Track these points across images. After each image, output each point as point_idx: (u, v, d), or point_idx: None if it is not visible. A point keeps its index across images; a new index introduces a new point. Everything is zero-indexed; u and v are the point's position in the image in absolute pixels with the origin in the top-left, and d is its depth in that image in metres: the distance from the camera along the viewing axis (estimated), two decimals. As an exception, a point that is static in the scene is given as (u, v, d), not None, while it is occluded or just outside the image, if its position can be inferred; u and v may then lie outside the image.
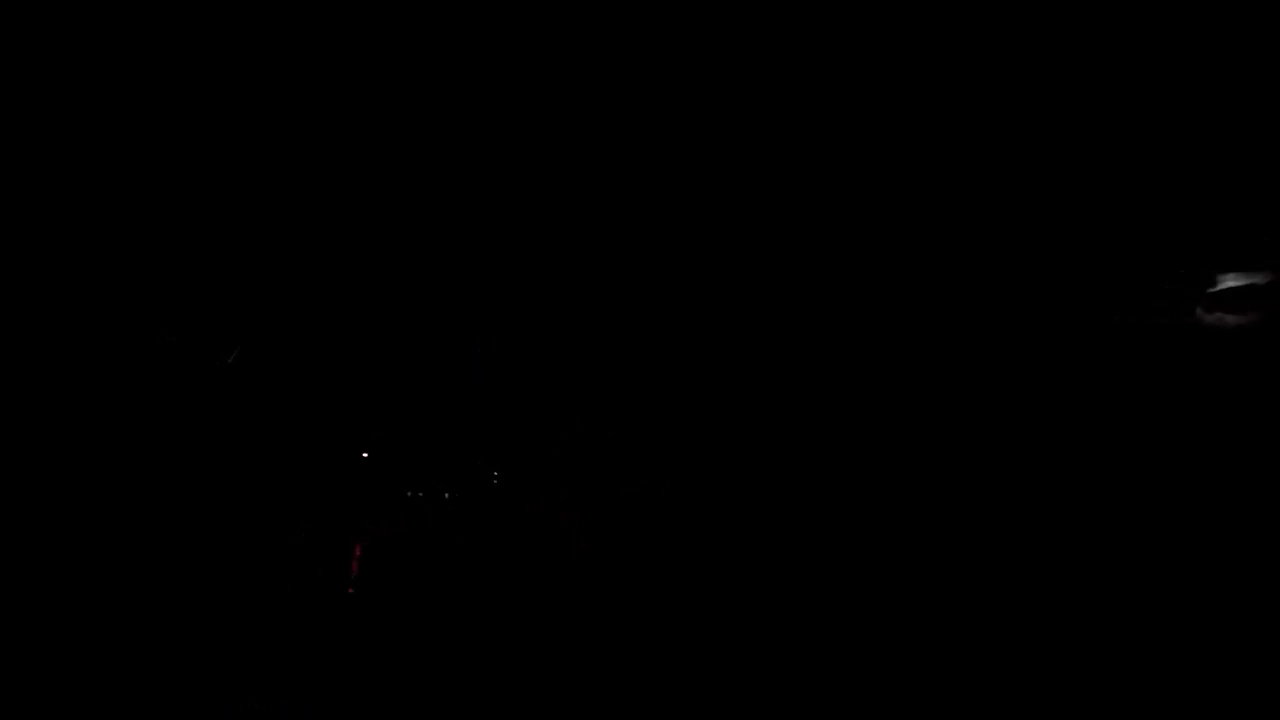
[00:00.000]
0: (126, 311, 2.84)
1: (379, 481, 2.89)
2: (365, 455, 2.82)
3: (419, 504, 2.81)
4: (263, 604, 2.49)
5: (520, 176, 2.83)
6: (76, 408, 2.78)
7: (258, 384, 2.95)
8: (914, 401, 2.79)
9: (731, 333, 2.94)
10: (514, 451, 2.85)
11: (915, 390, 2.79)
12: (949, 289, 2.58)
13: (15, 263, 2.77)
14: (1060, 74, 2.42)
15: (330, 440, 2.81)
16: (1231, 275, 2.41)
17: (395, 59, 2.63)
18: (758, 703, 2.12)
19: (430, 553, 2.72)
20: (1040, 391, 2.54)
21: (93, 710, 2.02)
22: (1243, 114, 2.45)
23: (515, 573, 2.64)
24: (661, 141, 2.73)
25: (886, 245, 2.70)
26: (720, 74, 2.61)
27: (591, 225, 2.87)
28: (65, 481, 2.74)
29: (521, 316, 2.97)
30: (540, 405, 2.98)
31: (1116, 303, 2.46)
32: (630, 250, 2.90)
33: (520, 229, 2.88)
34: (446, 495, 2.92)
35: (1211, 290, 2.42)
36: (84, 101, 2.61)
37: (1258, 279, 2.39)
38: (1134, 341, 2.47)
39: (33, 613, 2.46)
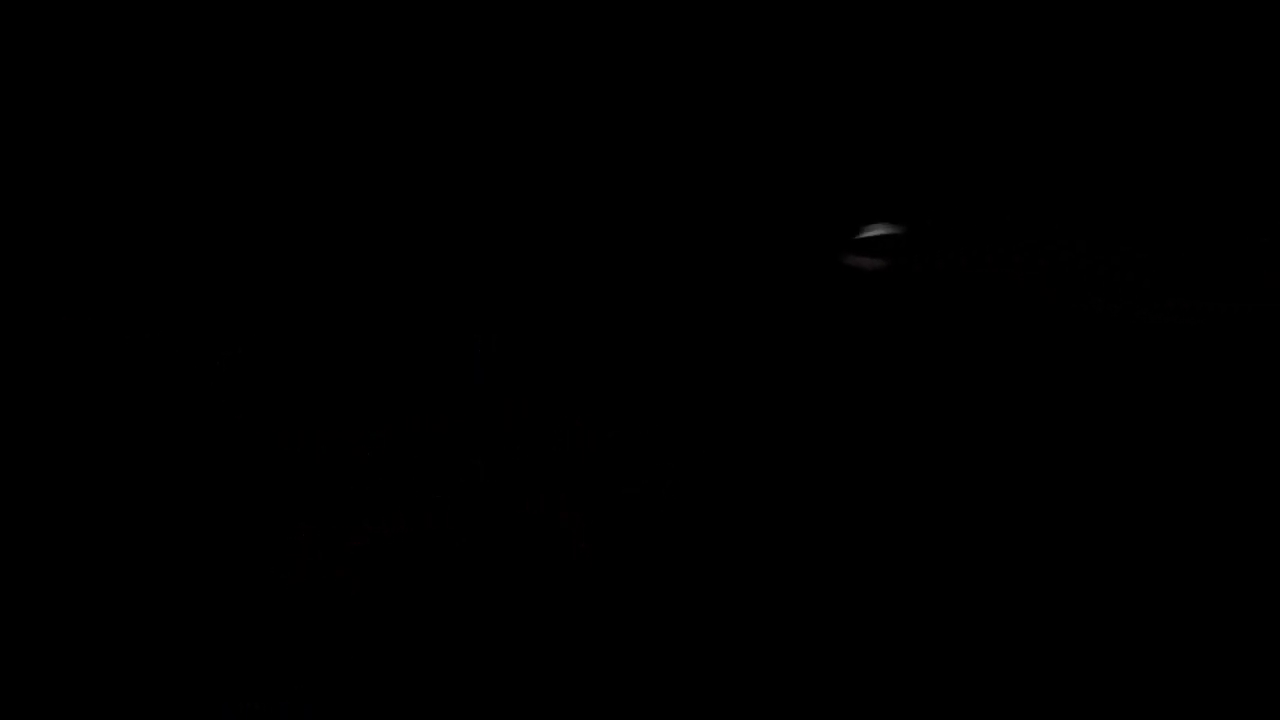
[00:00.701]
0: (123, 310, 2.84)
1: (379, 481, 2.89)
2: (365, 455, 2.83)
3: (419, 504, 2.82)
4: (263, 604, 2.49)
5: (520, 175, 2.83)
6: (74, 407, 2.79)
7: (256, 383, 2.95)
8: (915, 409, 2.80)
9: (730, 332, 2.94)
10: (514, 451, 2.85)
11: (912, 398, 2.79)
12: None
13: (11, 261, 2.77)
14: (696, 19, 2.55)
15: (330, 440, 2.81)
16: (877, 226, 2.73)
17: (394, 56, 2.63)
18: (758, 703, 2.12)
19: (430, 553, 2.72)
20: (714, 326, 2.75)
21: (93, 710, 2.02)
22: (881, 76, 2.64)
23: (515, 573, 2.64)
24: (660, 139, 2.73)
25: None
26: (712, 70, 2.61)
27: (591, 225, 2.87)
28: (63, 481, 2.74)
29: (521, 316, 2.98)
30: (540, 405, 2.99)
31: (776, 245, 2.70)
32: (629, 249, 2.91)
33: (520, 228, 2.88)
34: (446, 495, 2.93)
35: (858, 238, 2.74)
36: (78, 99, 2.61)
37: (897, 230, 2.69)
38: (790, 280, 2.72)
39: (31, 613, 2.46)
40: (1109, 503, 2.61)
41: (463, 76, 2.65)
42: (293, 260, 2.89)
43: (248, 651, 2.22)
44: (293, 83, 2.65)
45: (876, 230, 2.64)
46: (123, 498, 2.79)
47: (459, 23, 2.54)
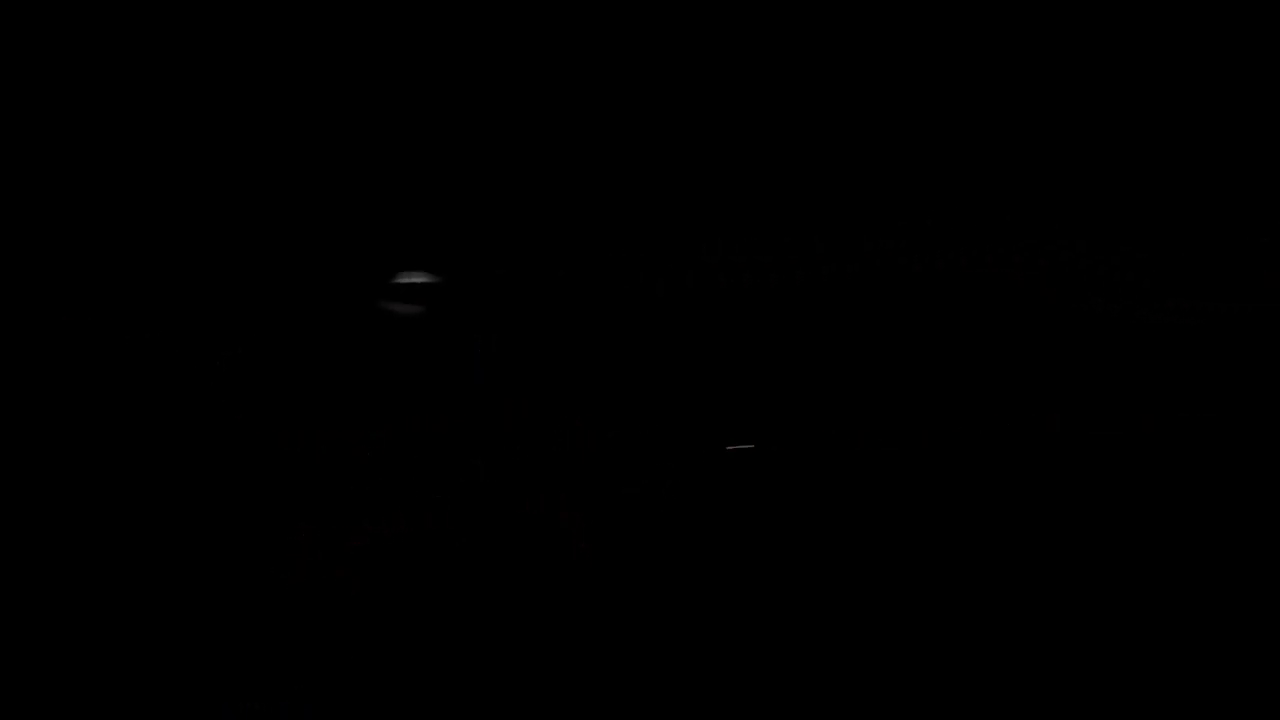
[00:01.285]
0: (122, 308, 2.84)
1: (379, 481, 2.89)
2: (365, 455, 2.83)
3: (419, 504, 2.81)
4: (263, 604, 2.49)
5: (520, 173, 2.83)
6: (73, 407, 2.79)
7: (256, 383, 2.95)
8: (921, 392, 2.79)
9: (730, 332, 2.94)
10: (514, 451, 2.85)
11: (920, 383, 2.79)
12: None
13: (11, 263, 2.77)
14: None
15: (330, 440, 2.81)
16: (412, 273, 2.80)
17: (394, 54, 2.63)
18: (758, 703, 2.12)
19: (430, 553, 2.72)
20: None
21: (93, 710, 2.02)
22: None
23: (515, 573, 2.64)
24: (662, 135, 2.73)
25: None
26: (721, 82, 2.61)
27: (590, 224, 2.87)
28: (63, 482, 2.74)
29: (521, 316, 2.98)
30: (540, 405, 2.99)
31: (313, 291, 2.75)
32: (629, 250, 2.91)
33: (520, 228, 2.88)
34: (446, 495, 2.93)
35: (393, 284, 2.80)
36: (79, 99, 2.62)
37: (432, 278, 2.80)
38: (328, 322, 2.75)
39: (32, 613, 2.46)
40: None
41: (459, 78, 2.66)
42: (293, 260, 2.89)
43: (248, 651, 2.22)
44: (293, 83, 2.65)
45: (413, 278, 2.64)
46: (123, 498, 2.79)
47: (464, 21, 2.54)
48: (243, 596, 2.53)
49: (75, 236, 2.75)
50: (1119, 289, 2.67)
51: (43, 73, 2.51)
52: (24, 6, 2.40)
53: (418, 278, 2.74)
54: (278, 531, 2.78)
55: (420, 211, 2.74)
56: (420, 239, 2.77)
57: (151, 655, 2.24)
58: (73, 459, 2.75)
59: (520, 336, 2.92)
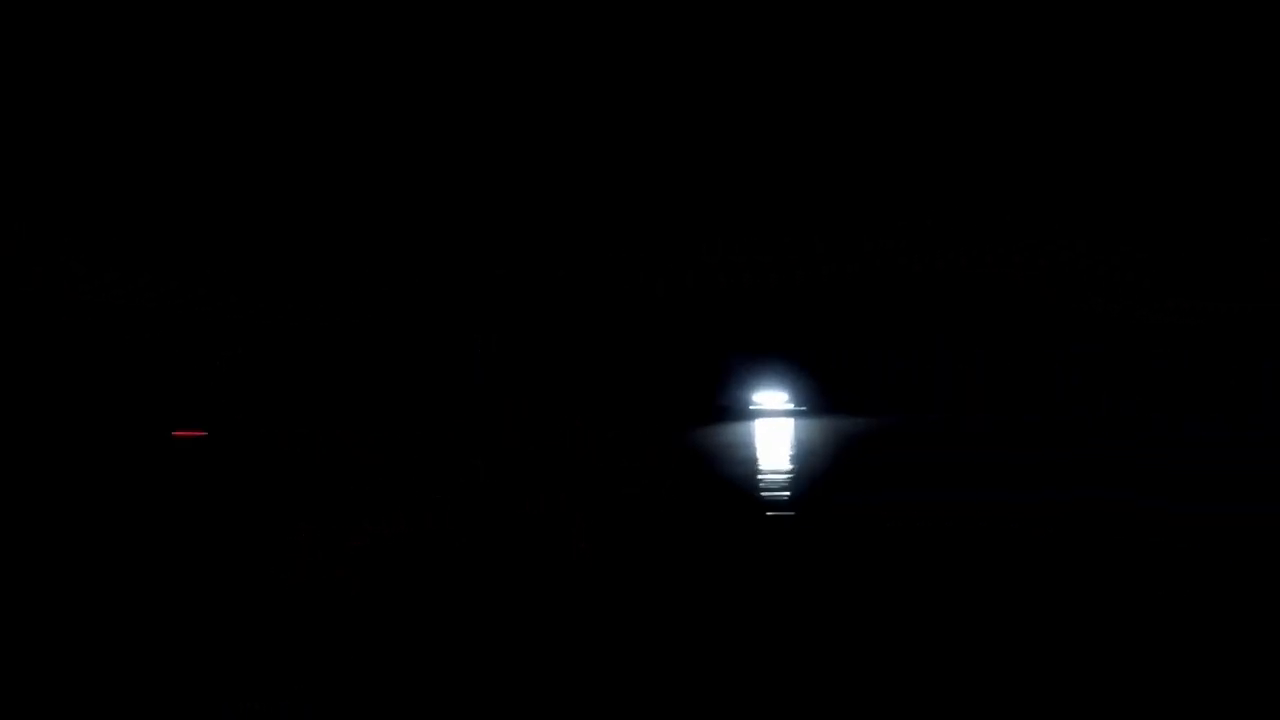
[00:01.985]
0: (125, 308, 2.85)
1: (379, 481, 2.89)
2: (365, 455, 2.83)
3: (419, 504, 2.82)
4: (263, 604, 2.49)
5: (521, 178, 2.84)
6: (74, 407, 2.79)
7: (256, 383, 2.96)
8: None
9: (730, 335, 2.95)
10: (514, 451, 2.86)
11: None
12: None
13: (9, 262, 2.78)
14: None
15: (330, 440, 2.81)
16: None
17: (397, 60, 2.64)
18: (756, 701, 2.13)
19: (430, 553, 2.72)
20: None
21: (93, 710, 2.03)
22: None
23: (515, 573, 2.64)
24: (662, 135, 2.74)
25: None
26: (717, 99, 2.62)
27: (591, 227, 2.88)
28: (65, 482, 2.75)
29: (521, 316, 2.99)
30: (540, 405, 2.99)
31: None
32: (630, 253, 2.92)
33: (521, 230, 2.89)
34: (446, 495, 2.93)
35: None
36: (80, 98, 2.63)
37: None
38: None
39: (33, 612, 2.47)
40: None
41: (464, 82, 2.66)
42: (293, 261, 2.89)
43: (248, 651, 2.23)
44: (296, 86, 2.66)
45: None
46: (123, 497, 2.79)
47: (466, 24, 2.55)
48: (243, 596, 2.53)
49: None
50: (1119, 289, 2.67)
51: None
52: None
53: None
54: (278, 531, 2.77)
55: (420, 213, 2.74)
56: (421, 241, 2.76)
57: (152, 655, 2.24)
58: (73, 459, 2.76)
59: (520, 336, 2.91)
